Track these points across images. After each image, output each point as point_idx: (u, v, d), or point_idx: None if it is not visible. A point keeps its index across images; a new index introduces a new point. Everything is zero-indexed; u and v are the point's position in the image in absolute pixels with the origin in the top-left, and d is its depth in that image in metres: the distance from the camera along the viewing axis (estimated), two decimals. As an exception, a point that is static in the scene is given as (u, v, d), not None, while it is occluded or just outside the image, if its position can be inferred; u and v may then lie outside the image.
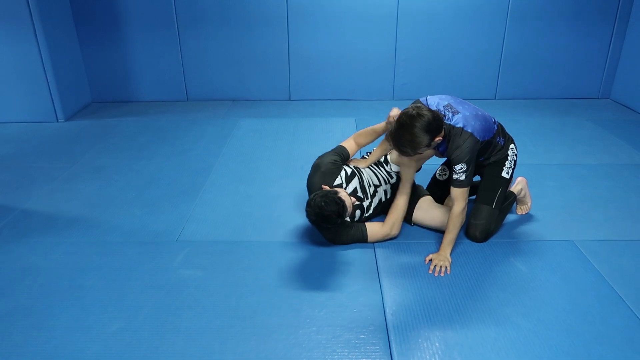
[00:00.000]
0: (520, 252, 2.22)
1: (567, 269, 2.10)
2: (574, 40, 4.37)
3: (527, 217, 2.52)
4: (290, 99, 4.64)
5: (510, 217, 2.51)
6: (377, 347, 1.70)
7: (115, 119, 4.15)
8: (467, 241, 2.31)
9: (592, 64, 4.48)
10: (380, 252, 2.23)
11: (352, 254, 2.22)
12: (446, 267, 2.10)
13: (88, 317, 1.85)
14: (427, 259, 2.16)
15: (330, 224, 2.13)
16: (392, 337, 1.74)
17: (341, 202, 2.09)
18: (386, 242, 2.30)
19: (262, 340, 1.74)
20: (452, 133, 2.10)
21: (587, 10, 4.26)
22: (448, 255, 2.15)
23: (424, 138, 1.97)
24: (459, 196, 2.13)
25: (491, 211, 2.27)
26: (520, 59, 4.45)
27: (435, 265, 2.11)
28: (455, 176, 2.11)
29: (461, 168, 2.09)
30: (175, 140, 3.66)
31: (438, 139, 2.04)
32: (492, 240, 2.32)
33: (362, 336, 1.75)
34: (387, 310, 1.87)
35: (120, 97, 4.63)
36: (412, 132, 1.96)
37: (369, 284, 2.03)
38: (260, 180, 2.99)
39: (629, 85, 4.29)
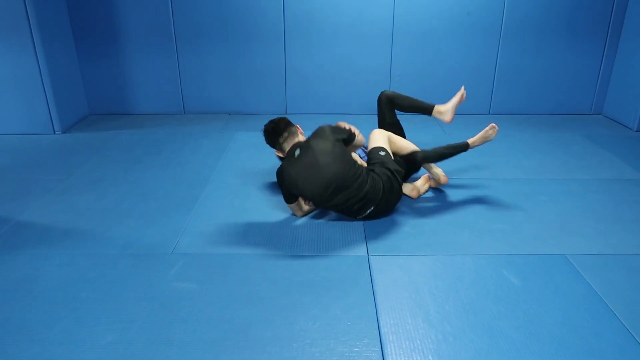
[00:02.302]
0: (513, 266, 2.24)
1: (560, 282, 2.12)
2: (566, 57, 4.45)
3: (520, 231, 2.54)
4: (286, 113, 4.67)
5: (503, 231, 2.53)
6: (371, 360, 1.71)
7: (112, 132, 4.17)
8: (461, 254, 2.32)
9: (584, 81, 4.54)
10: (374, 264, 2.25)
11: (347, 267, 2.23)
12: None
13: (81, 329, 1.85)
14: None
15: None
16: (385, 350, 1.74)
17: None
18: (381, 255, 2.31)
19: (256, 353, 1.74)
20: None
21: (579, 27, 4.34)
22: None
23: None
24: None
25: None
26: (513, 75, 4.51)
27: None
28: None
29: None
30: (171, 153, 3.68)
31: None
32: (485, 253, 2.33)
33: (355, 349, 1.75)
34: (381, 323, 1.88)
35: (117, 109, 4.66)
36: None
37: (363, 296, 2.03)
38: (255, 193, 3.00)
39: (621, 101, 4.35)
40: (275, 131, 2.68)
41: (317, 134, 2.55)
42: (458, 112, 4.58)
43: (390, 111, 3.06)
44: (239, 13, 4.31)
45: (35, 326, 1.87)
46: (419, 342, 1.78)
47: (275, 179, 3.19)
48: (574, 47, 4.41)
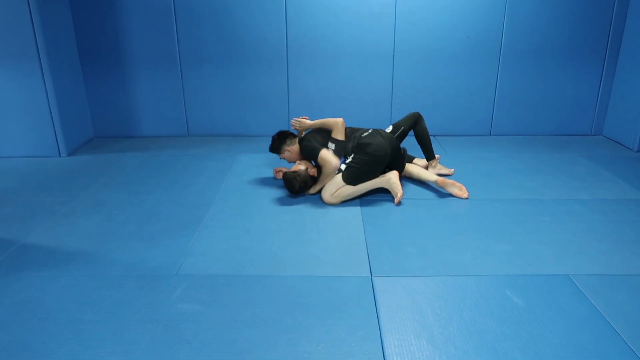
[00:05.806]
0: (517, 287, 2.24)
1: (563, 303, 2.12)
2: (565, 78, 4.51)
3: (523, 252, 2.54)
4: (289, 135, 4.72)
5: (506, 252, 2.54)
6: (375, 382, 1.70)
7: (117, 154, 4.21)
8: (464, 275, 2.33)
9: (584, 102, 4.59)
10: (378, 285, 2.25)
11: (350, 288, 2.24)
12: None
13: (86, 352, 1.85)
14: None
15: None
16: (389, 372, 1.74)
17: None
18: (384, 276, 2.31)
19: (260, 375, 1.73)
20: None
21: (578, 49, 4.41)
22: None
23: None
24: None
25: None
26: (513, 97, 4.56)
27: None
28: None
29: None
30: (175, 175, 3.72)
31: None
32: (488, 273, 2.34)
33: (359, 371, 1.75)
34: (385, 345, 1.87)
35: (122, 132, 4.72)
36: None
37: (367, 317, 2.03)
38: (258, 214, 3.02)
39: (620, 122, 4.39)
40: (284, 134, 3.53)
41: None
42: (460, 133, 4.66)
43: (410, 127, 3.61)
44: (242, 37, 4.40)
45: (39, 348, 1.87)
46: (423, 363, 1.78)
47: (279, 201, 3.21)
48: (573, 69, 4.48)
